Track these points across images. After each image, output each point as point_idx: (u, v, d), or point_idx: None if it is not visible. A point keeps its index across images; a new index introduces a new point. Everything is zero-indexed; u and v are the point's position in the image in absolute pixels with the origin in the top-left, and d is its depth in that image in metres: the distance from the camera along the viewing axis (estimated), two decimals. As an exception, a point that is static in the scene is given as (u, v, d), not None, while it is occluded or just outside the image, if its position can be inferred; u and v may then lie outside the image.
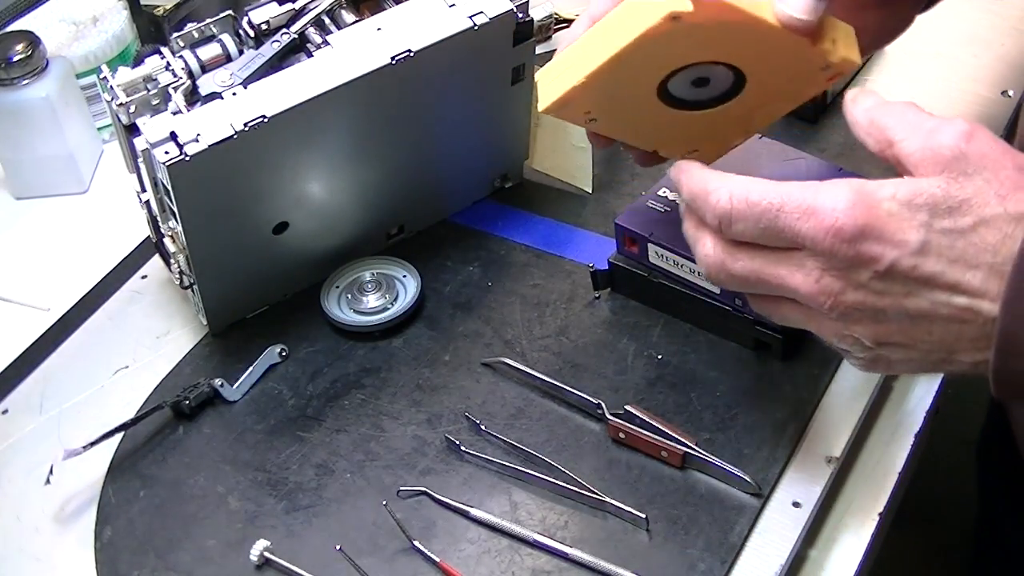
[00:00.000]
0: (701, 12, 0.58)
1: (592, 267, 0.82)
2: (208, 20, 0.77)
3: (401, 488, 0.72)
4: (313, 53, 0.75)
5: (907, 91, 0.97)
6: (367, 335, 0.81)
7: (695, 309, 0.78)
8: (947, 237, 0.54)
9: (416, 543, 0.69)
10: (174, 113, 0.72)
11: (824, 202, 0.55)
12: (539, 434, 0.74)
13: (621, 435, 0.73)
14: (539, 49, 0.82)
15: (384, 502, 0.70)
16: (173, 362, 0.82)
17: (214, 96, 0.73)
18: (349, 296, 0.83)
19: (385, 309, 0.82)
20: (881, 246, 0.54)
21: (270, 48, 0.75)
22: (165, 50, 0.75)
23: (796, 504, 0.70)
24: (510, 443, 0.73)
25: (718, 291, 0.76)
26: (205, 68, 0.75)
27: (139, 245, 0.89)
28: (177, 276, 0.80)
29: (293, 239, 0.81)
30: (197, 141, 0.70)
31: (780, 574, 0.67)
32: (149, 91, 0.74)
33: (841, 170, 0.76)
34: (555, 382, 0.76)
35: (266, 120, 0.71)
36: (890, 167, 0.59)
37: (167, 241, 0.79)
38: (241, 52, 0.76)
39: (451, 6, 0.77)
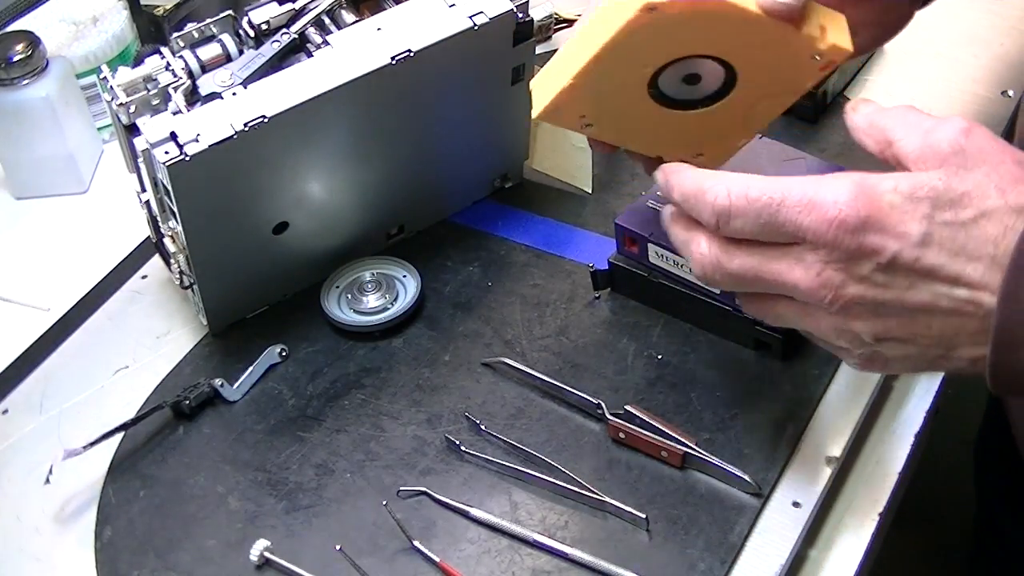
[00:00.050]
0: (678, 2, 0.58)
1: (592, 267, 0.82)
2: (208, 20, 0.77)
3: (401, 488, 0.72)
4: (313, 53, 0.75)
5: (907, 91, 0.97)
6: (367, 335, 0.81)
7: (695, 309, 0.78)
8: (949, 229, 0.54)
9: (416, 543, 0.69)
10: (174, 113, 0.72)
11: (826, 195, 0.55)
12: (539, 434, 0.74)
13: (621, 435, 0.73)
14: (539, 49, 0.82)
15: (384, 502, 0.70)
16: (173, 362, 0.82)
17: (214, 96, 0.73)
18: (349, 296, 0.83)
19: (385, 309, 0.82)
20: (883, 237, 0.54)
21: (270, 48, 0.75)
22: (165, 50, 0.75)
23: (796, 504, 0.70)
24: (510, 443, 0.73)
25: (718, 291, 0.76)
26: (205, 68, 0.75)
27: (139, 245, 0.89)
28: (177, 276, 0.80)
29: (293, 239, 0.81)
30: (197, 141, 0.70)
31: (780, 574, 0.67)
32: (149, 91, 0.74)
33: (841, 170, 0.76)
34: (555, 382, 0.76)
35: (266, 120, 0.71)
36: (890, 168, 0.59)
37: (167, 241, 0.79)
38: (241, 52, 0.76)
39: (451, 6, 0.77)
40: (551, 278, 0.84)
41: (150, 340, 0.84)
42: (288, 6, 0.76)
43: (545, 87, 0.64)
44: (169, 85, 0.73)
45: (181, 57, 0.75)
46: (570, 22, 0.98)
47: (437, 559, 0.68)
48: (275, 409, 0.78)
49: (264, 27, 0.76)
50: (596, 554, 0.67)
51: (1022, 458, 0.83)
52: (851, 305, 0.56)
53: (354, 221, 0.84)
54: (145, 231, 0.83)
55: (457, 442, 0.73)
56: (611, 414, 0.73)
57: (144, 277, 0.89)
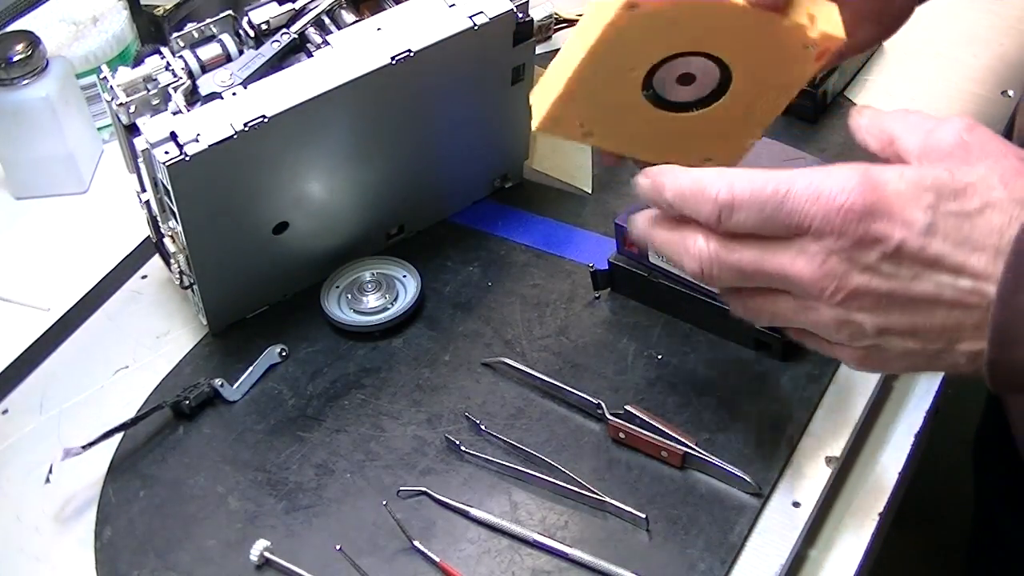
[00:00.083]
0: None
1: (592, 267, 0.82)
2: (208, 20, 0.77)
3: (401, 488, 0.72)
4: (313, 53, 0.75)
5: (907, 91, 0.97)
6: (367, 335, 0.81)
7: (695, 309, 0.78)
8: (954, 219, 0.54)
9: (416, 543, 0.69)
10: (174, 113, 0.72)
11: (833, 183, 0.55)
12: (539, 434, 0.74)
13: (621, 435, 0.73)
14: (539, 49, 0.82)
15: (384, 502, 0.70)
16: (173, 362, 0.82)
17: (214, 96, 0.73)
18: (349, 296, 0.83)
19: (385, 309, 0.82)
20: (889, 225, 0.54)
21: (270, 48, 0.75)
22: (165, 50, 0.75)
23: (796, 504, 0.70)
24: (510, 443, 0.73)
25: (716, 290, 0.76)
26: (205, 68, 0.75)
27: (139, 245, 0.89)
28: (177, 276, 0.80)
29: (293, 239, 0.81)
30: (197, 141, 0.70)
31: (780, 574, 0.67)
32: (149, 91, 0.74)
33: None
34: (555, 382, 0.76)
35: (266, 120, 0.71)
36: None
37: (167, 241, 0.79)
38: (241, 52, 0.76)
39: (451, 6, 0.77)
40: (551, 278, 0.84)
41: (150, 340, 0.84)
42: (288, 6, 0.76)
43: (542, 98, 0.64)
44: (169, 85, 0.73)
45: (181, 57, 0.75)
46: (570, 22, 0.98)
47: (437, 559, 0.68)
48: (275, 409, 0.78)
49: (264, 27, 0.76)
50: (596, 554, 0.67)
51: (1021, 458, 0.83)
52: (854, 296, 0.56)
53: (354, 221, 0.84)
54: (145, 231, 0.83)
55: (457, 442, 0.73)
56: (611, 414, 0.73)
57: (144, 277, 0.89)
